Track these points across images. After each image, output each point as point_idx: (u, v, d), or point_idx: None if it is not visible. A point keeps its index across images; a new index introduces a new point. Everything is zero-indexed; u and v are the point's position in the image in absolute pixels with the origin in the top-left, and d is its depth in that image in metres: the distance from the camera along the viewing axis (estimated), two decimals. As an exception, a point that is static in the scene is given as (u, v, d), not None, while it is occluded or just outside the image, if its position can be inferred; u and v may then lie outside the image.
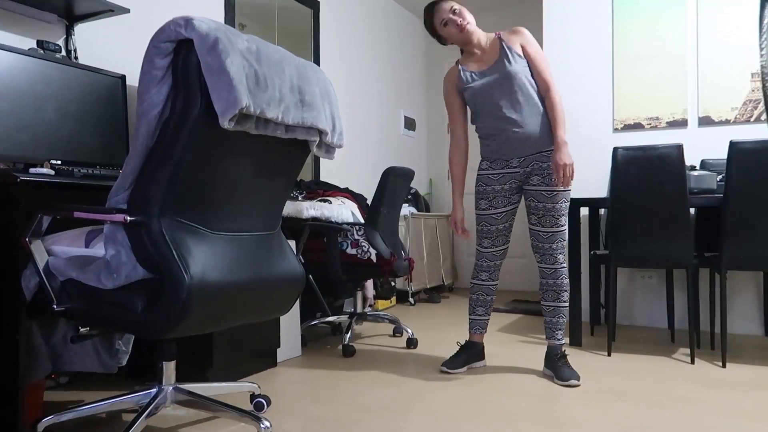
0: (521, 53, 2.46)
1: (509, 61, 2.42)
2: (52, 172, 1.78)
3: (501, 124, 2.45)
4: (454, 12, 2.45)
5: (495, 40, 2.50)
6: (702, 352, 2.94)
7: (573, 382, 2.33)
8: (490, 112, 2.47)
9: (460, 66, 2.55)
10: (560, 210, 2.43)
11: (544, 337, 2.59)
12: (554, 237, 2.45)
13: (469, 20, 2.46)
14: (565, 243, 2.47)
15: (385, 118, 5.09)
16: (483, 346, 2.66)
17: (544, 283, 2.50)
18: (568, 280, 2.49)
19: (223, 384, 1.96)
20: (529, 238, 2.52)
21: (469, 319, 2.65)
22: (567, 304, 2.50)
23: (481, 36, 2.51)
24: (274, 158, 1.61)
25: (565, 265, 2.48)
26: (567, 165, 2.33)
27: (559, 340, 2.50)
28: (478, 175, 2.58)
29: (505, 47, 2.45)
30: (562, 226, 2.45)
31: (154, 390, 1.71)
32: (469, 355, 2.61)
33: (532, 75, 2.45)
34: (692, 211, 3.39)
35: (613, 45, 3.79)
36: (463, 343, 2.68)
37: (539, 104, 2.43)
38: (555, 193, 2.42)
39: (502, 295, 5.15)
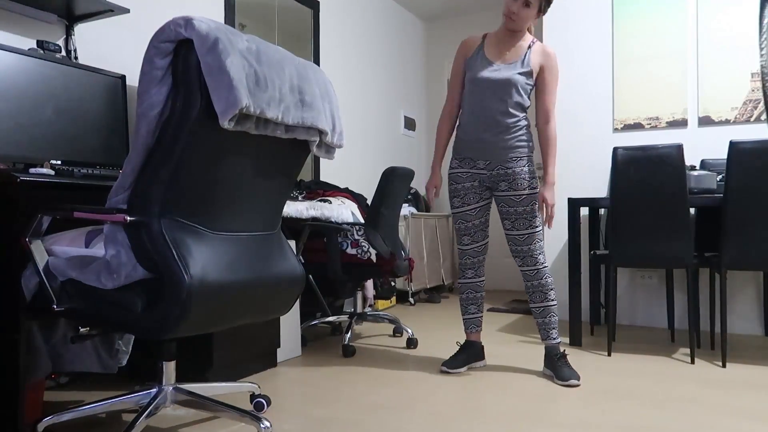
0: (534, 70, 2.46)
1: (517, 68, 2.43)
2: (52, 172, 1.78)
3: (477, 123, 2.48)
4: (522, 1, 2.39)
5: (525, 45, 2.48)
6: (702, 352, 2.94)
7: (573, 381, 2.33)
8: (474, 106, 2.49)
9: (483, 41, 2.53)
10: (532, 212, 2.46)
11: (540, 338, 2.61)
12: (531, 238, 2.46)
13: (523, 17, 2.39)
14: (543, 243, 2.50)
15: (385, 118, 5.09)
16: (482, 346, 2.66)
17: (530, 285, 2.52)
18: (551, 278, 2.51)
19: (223, 384, 1.96)
20: (507, 243, 2.55)
21: (463, 319, 2.66)
22: (555, 302, 2.52)
23: (519, 36, 2.48)
24: (274, 158, 1.61)
25: (546, 264, 2.50)
26: (550, 206, 2.43)
27: (554, 339, 2.51)
28: (449, 174, 2.62)
29: (526, 57, 2.45)
30: (537, 227, 2.47)
31: (154, 390, 1.71)
32: (469, 354, 2.61)
33: (527, 94, 2.47)
34: (692, 211, 3.39)
35: (613, 45, 3.79)
36: (462, 343, 2.68)
37: (522, 119, 2.47)
38: (524, 196, 2.46)
39: (502, 295, 5.16)
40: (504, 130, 2.45)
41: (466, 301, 2.64)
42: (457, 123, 2.61)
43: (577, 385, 2.34)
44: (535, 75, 2.47)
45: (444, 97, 5.81)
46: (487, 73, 2.45)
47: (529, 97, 2.50)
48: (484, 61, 2.49)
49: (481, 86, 2.46)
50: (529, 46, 2.48)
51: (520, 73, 2.43)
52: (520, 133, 2.47)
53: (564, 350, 2.49)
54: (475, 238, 2.58)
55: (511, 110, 2.44)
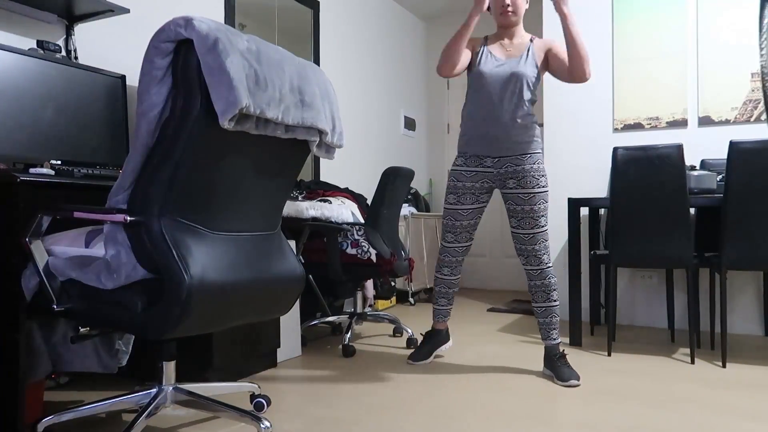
0: (539, 61, 2.47)
1: (523, 62, 2.44)
2: (52, 172, 1.78)
3: (483, 119, 2.48)
4: None
5: (526, 41, 2.51)
6: (702, 352, 2.94)
7: (573, 382, 2.33)
8: (480, 103, 2.49)
9: (484, 45, 2.54)
10: (539, 211, 2.46)
11: (540, 338, 2.65)
12: (535, 238, 2.46)
13: (514, 9, 2.45)
14: (548, 243, 2.50)
15: (385, 118, 5.09)
16: (446, 330, 2.76)
17: (533, 285, 2.52)
18: (555, 279, 2.52)
19: (223, 384, 1.96)
20: (512, 241, 2.55)
21: (433, 308, 2.74)
22: (557, 303, 2.53)
23: (518, 31, 2.52)
24: (274, 158, 1.61)
25: (550, 265, 2.50)
26: None
27: (555, 339, 2.51)
28: (451, 170, 2.62)
29: (530, 51, 2.47)
30: (543, 226, 2.47)
31: (154, 390, 1.71)
32: (434, 343, 2.71)
33: (535, 88, 2.47)
34: (692, 211, 3.39)
35: (613, 45, 3.79)
36: (425, 332, 2.77)
37: (529, 113, 2.46)
38: (532, 195, 2.45)
39: (502, 295, 5.16)
40: (513, 124, 2.44)
41: (438, 294, 2.71)
42: (462, 120, 2.60)
43: (577, 385, 2.34)
44: (542, 66, 2.48)
45: (444, 98, 5.85)
46: (494, 68, 2.47)
47: (535, 92, 2.49)
48: (489, 57, 2.50)
49: (489, 81, 2.46)
50: (531, 40, 2.51)
51: (527, 67, 2.43)
52: (530, 129, 2.46)
53: (563, 350, 2.49)
54: (458, 239, 2.61)
55: (520, 104, 2.44)
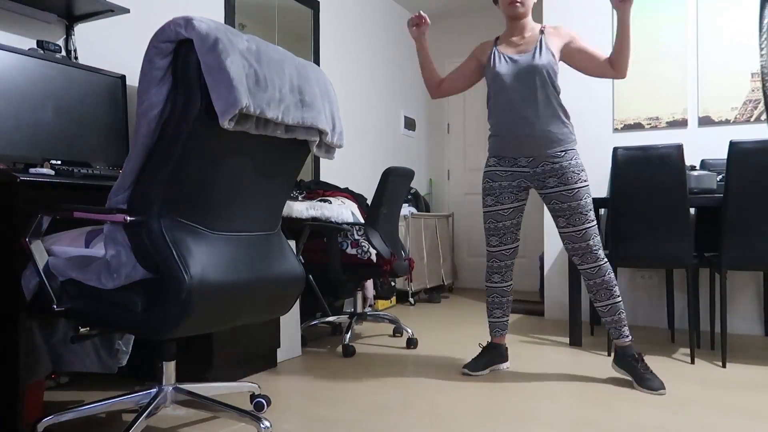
0: (556, 52, 2.39)
1: (537, 55, 2.35)
2: (52, 172, 1.78)
3: (511, 119, 2.39)
4: None
5: (537, 32, 2.44)
6: (702, 352, 2.94)
7: (662, 392, 2.23)
8: (503, 103, 2.40)
9: (495, 47, 2.47)
10: (586, 206, 2.36)
11: (611, 338, 2.47)
12: (588, 234, 2.36)
13: (522, 0, 2.39)
14: (599, 238, 2.39)
15: (385, 118, 5.09)
16: (506, 348, 2.61)
17: (593, 284, 2.40)
18: (613, 273, 2.40)
19: (223, 384, 1.96)
20: (563, 243, 2.43)
21: (488, 322, 2.62)
22: (620, 298, 2.41)
23: (528, 24, 2.45)
24: (274, 158, 1.61)
25: (606, 260, 2.38)
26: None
27: (627, 337, 2.40)
28: (484, 171, 2.52)
29: (543, 42, 2.38)
30: (592, 221, 2.37)
31: (154, 390, 1.71)
32: (492, 356, 2.56)
33: (556, 77, 2.39)
34: (692, 211, 3.39)
35: (613, 45, 3.79)
36: (484, 345, 2.64)
37: (557, 105, 2.37)
38: (576, 190, 2.35)
39: (502, 295, 5.15)
40: (541, 120, 2.35)
41: (491, 305, 2.58)
42: (489, 127, 2.51)
43: (664, 394, 2.24)
44: (558, 56, 2.41)
45: (444, 98, 5.84)
46: (508, 66, 2.38)
47: (557, 82, 2.39)
48: (501, 57, 2.41)
49: (506, 82, 2.37)
50: (542, 31, 2.42)
51: (542, 58, 2.34)
52: (561, 121, 2.37)
53: (639, 352, 2.38)
54: (503, 240, 2.50)
55: (543, 97, 2.34)
